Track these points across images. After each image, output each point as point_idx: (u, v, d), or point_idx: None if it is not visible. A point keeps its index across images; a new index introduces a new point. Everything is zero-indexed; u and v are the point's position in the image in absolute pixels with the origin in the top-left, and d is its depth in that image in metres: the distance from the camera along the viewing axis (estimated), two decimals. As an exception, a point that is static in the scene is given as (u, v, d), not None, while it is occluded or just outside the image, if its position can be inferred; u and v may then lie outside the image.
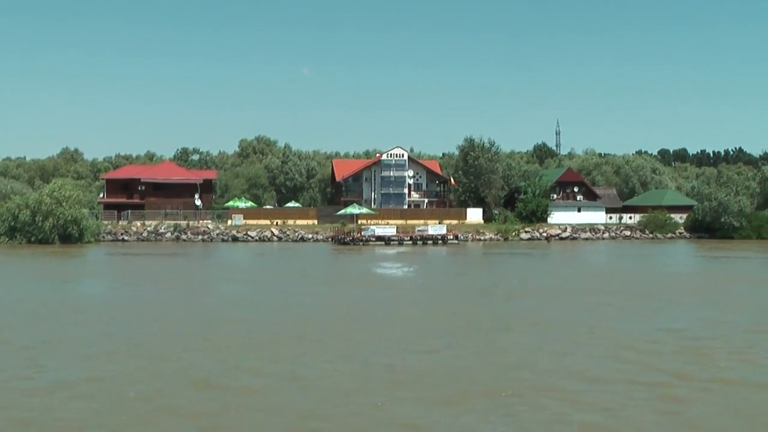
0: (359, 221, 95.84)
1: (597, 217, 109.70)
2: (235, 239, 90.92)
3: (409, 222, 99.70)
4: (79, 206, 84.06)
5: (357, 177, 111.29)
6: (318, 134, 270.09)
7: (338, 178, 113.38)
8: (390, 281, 45.35)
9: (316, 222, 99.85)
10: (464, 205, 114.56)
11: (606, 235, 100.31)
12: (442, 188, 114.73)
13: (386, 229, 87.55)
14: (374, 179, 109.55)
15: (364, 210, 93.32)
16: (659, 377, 19.02)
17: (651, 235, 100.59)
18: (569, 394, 17.28)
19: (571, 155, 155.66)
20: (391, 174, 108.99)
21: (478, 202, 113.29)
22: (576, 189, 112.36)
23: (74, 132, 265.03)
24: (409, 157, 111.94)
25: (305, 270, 52.46)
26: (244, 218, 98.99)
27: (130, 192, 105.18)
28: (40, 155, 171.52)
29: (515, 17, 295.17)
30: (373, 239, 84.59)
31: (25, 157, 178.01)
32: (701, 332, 25.81)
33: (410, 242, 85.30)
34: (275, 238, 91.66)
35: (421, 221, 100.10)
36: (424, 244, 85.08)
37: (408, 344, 23.23)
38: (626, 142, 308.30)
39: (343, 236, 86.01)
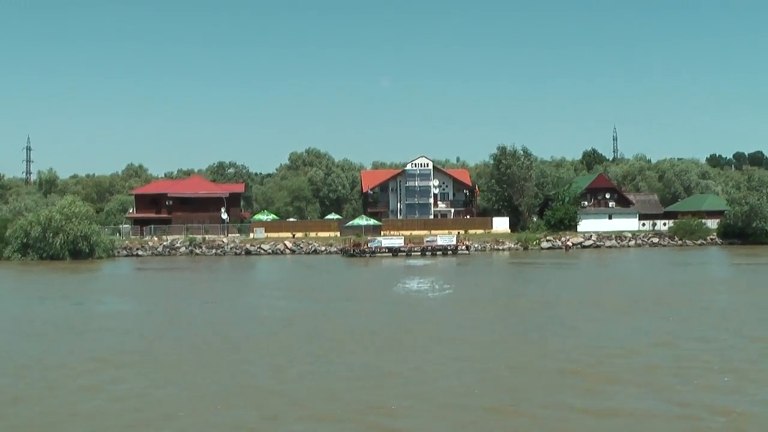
0: (382, 232, 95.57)
1: (629, 224, 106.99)
2: (248, 253, 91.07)
3: (433, 232, 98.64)
4: (89, 222, 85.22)
5: (384, 188, 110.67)
6: (369, 145, 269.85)
7: (365, 189, 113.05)
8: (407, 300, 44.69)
9: (338, 234, 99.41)
10: (497, 214, 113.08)
11: (632, 242, 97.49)
12: (468, 198, 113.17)
13: (394, 240, 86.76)
14: (399, 190, 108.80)
15: (372, 221, 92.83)
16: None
17: (680, 242, 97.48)
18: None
19: (617, 161, 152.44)
20: (416, 184, 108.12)
21: (512, 210, 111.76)
22: (608, 196, 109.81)
23: (141, 149, 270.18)
24: (434, 166, 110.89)
25: (301, 285, 52.19)
26: (265, 231, 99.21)
27: (159, 207, 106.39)
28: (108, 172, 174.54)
29: (570, 27, 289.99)
30: (381, 251, 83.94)
31: (94, 174, 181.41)
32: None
33: (419, 253, 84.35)
34: (288, 251, 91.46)
35: (445, 231, 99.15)
36: (433, 254, 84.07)
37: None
38: (688, 146, 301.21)
39: (350, 248, 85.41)
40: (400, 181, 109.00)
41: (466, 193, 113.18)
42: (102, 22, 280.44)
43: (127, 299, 44.08)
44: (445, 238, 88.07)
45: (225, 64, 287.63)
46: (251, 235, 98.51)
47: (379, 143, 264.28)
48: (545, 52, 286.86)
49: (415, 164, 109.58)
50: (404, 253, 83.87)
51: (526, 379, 20.82)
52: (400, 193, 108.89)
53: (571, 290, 44.41)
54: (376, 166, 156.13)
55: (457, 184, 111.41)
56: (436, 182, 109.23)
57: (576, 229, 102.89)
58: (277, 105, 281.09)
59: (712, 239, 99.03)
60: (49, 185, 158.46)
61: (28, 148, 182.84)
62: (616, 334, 27.69)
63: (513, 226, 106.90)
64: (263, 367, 22.97)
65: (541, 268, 66.03)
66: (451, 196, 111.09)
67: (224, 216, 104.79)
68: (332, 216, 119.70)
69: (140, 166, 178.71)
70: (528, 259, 77.23)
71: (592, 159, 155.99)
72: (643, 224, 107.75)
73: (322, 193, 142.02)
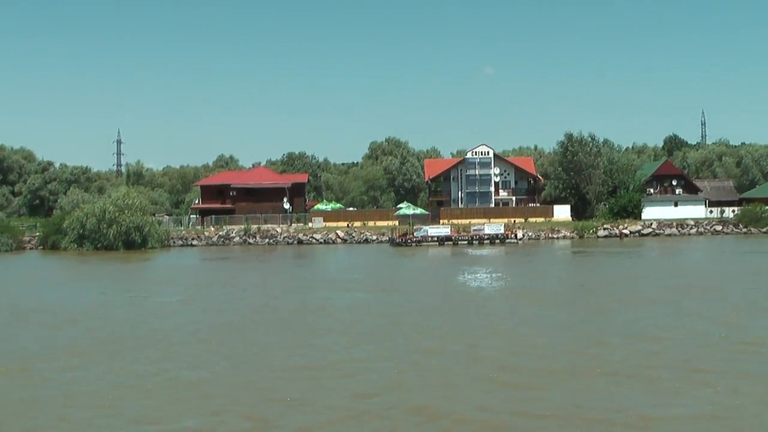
0: (440, 221, 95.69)
1: (696, 211, 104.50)
2: (300, 242, 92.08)
3: (493, 221, 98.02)
4: (142, 213, 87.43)
5: (446, 176, 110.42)
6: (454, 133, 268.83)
7: (427, 178, 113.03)
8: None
9: (397, 223, 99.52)
10: (564, 201, 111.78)
11: (693, 230, 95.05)
12: (531, 186, 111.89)
13: (440, 229, 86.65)
14: (460, 178, 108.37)
15: (418, 210, 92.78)
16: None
17: (745, 230, 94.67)
18: None
19: (698, 146, 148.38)
20: (476, 172, 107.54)
21: (579, 198, 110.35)
22: (674, 183, 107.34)
23: (233, 141, 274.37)
24: (494, 154, 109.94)
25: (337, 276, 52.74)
26: (324, 221, 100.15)
27: (223, 198, 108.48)
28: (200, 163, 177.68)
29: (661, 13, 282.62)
30: (427, 240, 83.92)
31: (188, 165, 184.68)
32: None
33: (465, 242, 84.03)
34: (339, 240, 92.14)
35: (504, 219, 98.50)
36: (481, 243, 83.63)
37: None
38: None
39: (398, 238, 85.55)
40: (461, 170, 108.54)
41: (529, 181, 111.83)
42: (193, 18, 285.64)
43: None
44: (492, 227, 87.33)
45: (312, 59, 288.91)
46: (310, 225, 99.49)
47: (466, 132, 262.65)
48: (631, 38, 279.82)
49: (476, 152, 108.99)
50: (451, 242, 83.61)
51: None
52: (460, 182, 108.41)
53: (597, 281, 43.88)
54: (454, 155, 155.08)
55: (520, 172, 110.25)
56: (497, 170, 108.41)
57: (640, 216, 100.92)
58: (362, 95, 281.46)
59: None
60: (136, 177, 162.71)
61: (119, 142, 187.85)
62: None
63: (581, 214, 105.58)
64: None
65: (585, 257, 65.17)
66: (513, 184, 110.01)
67: (286, 206, 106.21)
68: (404, 205, 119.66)
69: (231, 157, 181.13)
70: (579, 248, 75.97)
71: (673, 144, 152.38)
72: (711, 211, 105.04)
73: (397, 182, 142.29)
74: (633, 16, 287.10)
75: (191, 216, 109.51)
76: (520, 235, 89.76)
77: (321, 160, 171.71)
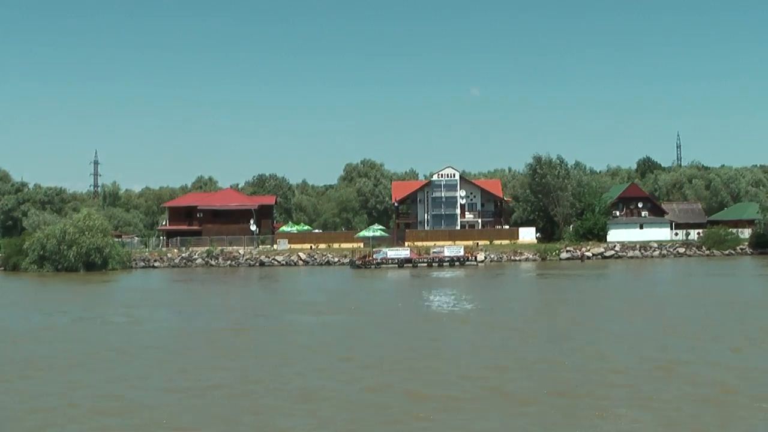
0: (406, 243, 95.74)
1: (661, 233, 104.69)
2: (262, 264, 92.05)
3: (458, 243, 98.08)
4: (103, 235, 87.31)
5: (413, 198, 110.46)
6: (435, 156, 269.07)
7: (394, 200, 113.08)
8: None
9: (362, 245, 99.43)
10: (532, 224, 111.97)
11: (656, 253, 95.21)
12: (497, 208, 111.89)
13: (399, 251, 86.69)
14: (426, 200, 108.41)
15: (378, 233, 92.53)
16: None
17: (708, 252, 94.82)
18: None
19: (669, 169, 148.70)
20: (442, 195, 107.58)
21: (548, 221, 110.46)
22: (640, 205, 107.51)
23: (212, 162, 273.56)
24: (461, 176, 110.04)
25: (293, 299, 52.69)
26: (289, 243, 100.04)
27: (191, 219, 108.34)
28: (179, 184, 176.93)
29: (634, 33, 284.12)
30: (386, 262, 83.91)
31: (167, 186, 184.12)
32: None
33: (425, 264, 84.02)
34: (301, 262, 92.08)
35: (469, 242, 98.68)
36: (440, 266, 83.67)
37: None
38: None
39: (358, 260, 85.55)
40: (427, 192, 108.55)
41: (496, 204, 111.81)
42: (175, 39, 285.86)
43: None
44: (452, 249, 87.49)
45: (294, 80, 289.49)
46: (274, 247, 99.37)
47: (444, 154, 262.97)
48: (610, 60, 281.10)
49: (442, 175, 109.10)
50: (410, 265, 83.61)
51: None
52: (426, 204, 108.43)
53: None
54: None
55: (486, 195, 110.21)
56: (462, 193, 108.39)
57: (605, 239, 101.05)
58: (342, 116, 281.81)
59: (742, 249, 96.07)
60: (112, 198, 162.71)
61: (96, 162, 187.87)
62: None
63: (550, 236, 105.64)
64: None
65: (540, 279, 65.37)
66: (479, 207, 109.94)
67: (253, 228, 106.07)
68: (375, 227, 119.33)
69: (210, 179, 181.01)
70: (538, 270, 76.26)
71: (646, 167, 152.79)
72: (676, 234, 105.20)
73: (370, 204, 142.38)
74: (613, 40, 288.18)
75: (158, 237, 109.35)
76: (481, 257, 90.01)
77: (300, 181, 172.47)
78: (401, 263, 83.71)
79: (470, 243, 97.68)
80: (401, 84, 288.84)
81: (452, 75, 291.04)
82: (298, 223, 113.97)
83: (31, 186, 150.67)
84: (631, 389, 20.19)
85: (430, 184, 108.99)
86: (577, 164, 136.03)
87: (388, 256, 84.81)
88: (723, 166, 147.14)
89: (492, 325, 33.95)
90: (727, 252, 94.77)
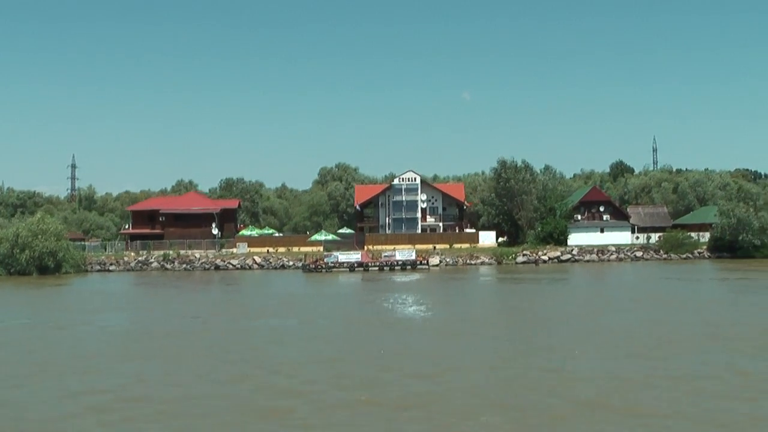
0: (365, 247, 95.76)
1: (622, 237, 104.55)
2: (217, 268, 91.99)
3: (417, 246, 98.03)
4: (56, 239, 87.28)
5: (375, 202, 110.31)
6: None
7: (356, 204, 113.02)
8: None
9: (321, 249, 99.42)
10: (497, 228, 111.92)
11: (614, 256, 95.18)
12: (460, 212, 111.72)
13: (350, 255, 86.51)
14: (388, 204, 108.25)
15: (330, 236, 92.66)
16: None
17: (665, 256, 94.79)
18: None
19: (640, 174, 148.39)
20: (403, 198, 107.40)
21: (512, 224, 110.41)
22: (602, 209, 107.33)
23: (193, 166, 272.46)
24: (422, 180, 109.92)
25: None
26: (249, 246, 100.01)
27: (153, 223, 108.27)
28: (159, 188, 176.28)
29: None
30: (337, 266, 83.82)
31: (149, 189, 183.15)
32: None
33: (376, 269, 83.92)
34: (256, 265, 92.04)
35: (430, 245, 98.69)
36: (392, 269, 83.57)
37: None
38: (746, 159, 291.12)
39: (310, 264, 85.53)
40: (388, 196, 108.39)
41: (459, 208, 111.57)
42: (155, 41, 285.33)
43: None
44: (404, 253, 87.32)
45: (274, 84, 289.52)
46: (234, 250, 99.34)
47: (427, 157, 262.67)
48: (583, 62, 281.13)
49: (403, 178, 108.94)
50: (361, 269, 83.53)
51: None
52: (388, 208, 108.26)
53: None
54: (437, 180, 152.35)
55: (448, 199, 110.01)
56: (424, 196, 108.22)
57: (566, 242, 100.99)
58: (322, 120, 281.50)
59: (700, 253, 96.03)
60: (88, 202, 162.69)
61: (73, 166, 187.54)
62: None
63: (515, 240, 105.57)
64: None
65: (483, 284, 65.32)
66: (440, 210, 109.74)
67: (215, 231, 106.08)
68: (344, 231, 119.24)
69: (190, 182, 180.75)
70: (486, 275, 76.25)
71: (618, 170, 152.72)
72: (638, 237, 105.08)
73: (341, 208, 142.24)
74: (598, 43, 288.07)
75: (120, 241, 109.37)
76: (436, 261, 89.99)
77: (279, 185, 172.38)
78: (352, 267, 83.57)
79: (428, 247, 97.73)
80: (383, 88, 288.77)
81: (440, 79, 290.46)
82: (262, 227, 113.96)
83: (5, 190, 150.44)
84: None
85: (391, 188, 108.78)
86: (547, 168, 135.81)
87: (339, 260, 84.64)
88: (699, 170, 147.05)
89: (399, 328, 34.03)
90: (684, 256, 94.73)
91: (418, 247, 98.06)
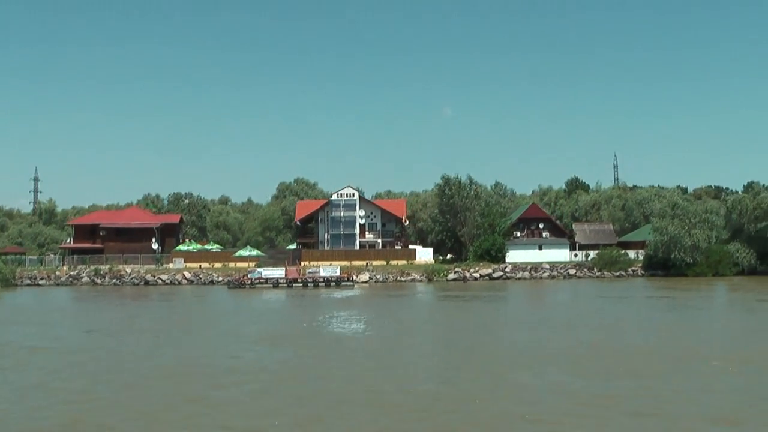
0: (303, 263, 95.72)
1: (560, 254, 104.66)
2: (146, 283, 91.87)
3: (353, 263, 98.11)
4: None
5: (314, 218, 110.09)
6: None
7: (296, 219, 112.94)
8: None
9: (254, 264, 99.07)
10: (440, 245, 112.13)
11: (546, 274, 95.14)
12: (397, 228, 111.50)
13: (273, 271, 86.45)
14: (327, 220, 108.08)
15: (254, 252, 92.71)
16: None
17: (599, 274, 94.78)
18: None
19: (591, 190, 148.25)
20: (341, 214, 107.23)
21: (456, 241, 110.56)
22: (541, 226, 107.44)
23: (160, 181, 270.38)
24: (360, 197, 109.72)
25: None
26: (185, 261, 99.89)
27: (95, 237, 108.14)
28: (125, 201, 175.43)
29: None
30: (261, 282, 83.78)
31: (117, 203, 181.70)
32: None
33: (300, 285, 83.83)
34: (185, 281, 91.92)
35: (363, 262, 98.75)
36: (316, 286, 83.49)
37: None
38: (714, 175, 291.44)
39: (234, 280, 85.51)
40: (327, 211, 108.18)
41: (398, 224, 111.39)
42: (117, 56, 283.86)
43: None
44: (328, 269, 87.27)
45: (235, 101, 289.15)
46: (170, 266, 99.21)
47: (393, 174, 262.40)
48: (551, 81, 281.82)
49: (341, 194, 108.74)
50: (285, 285, 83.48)
51: None
52: (327, 224, 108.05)
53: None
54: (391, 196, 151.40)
55: (387, 215, 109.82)
56: (362, 212, 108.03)
57: (504, 259, 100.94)
58: (282, 134, 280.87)
59: (634, 271, 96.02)
60: (48, 215, 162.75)
61: (36, 179, 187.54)
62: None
63: (459, 256, 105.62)
64: None
65: (394, 302, 65.08)
66: (379, 227, 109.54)
67: (155, 246, 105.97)
68: (292, 246, 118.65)
69: (157, 196, 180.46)
70: (410, 292, 76.08)
71: (573, 187, 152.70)
72: (576, 255, 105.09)
73: (293, 223, 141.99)
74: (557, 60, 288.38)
75: (55, 255, 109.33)
76: (366, 277, 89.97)
77: (245, 200, 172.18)
78: (276, 283, 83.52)
79: (362, 263, 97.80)
80: (355, 103, 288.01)
81: (419, 96, 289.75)
82: (207, 242, 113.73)
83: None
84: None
85: (329, 204, 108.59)
86: (497, 184, 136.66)
87: (263, 276, 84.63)
88: (668, 187, 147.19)
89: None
90: (617, 273, 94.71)
91: (355, 263, 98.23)
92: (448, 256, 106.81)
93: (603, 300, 62.99)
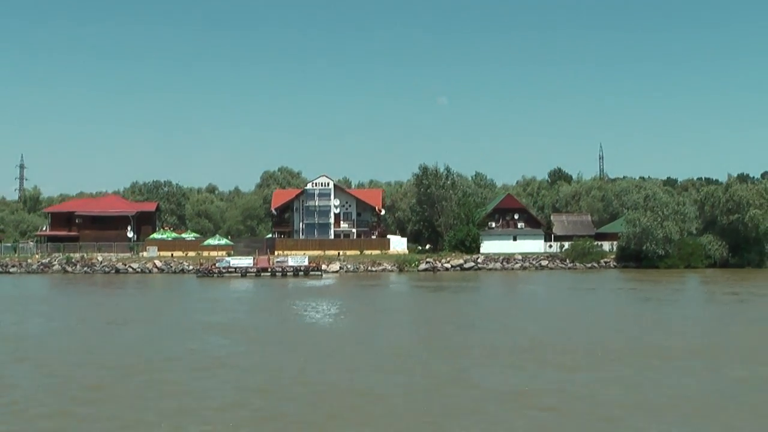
0: (275, 252, 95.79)
1: (535, 245, 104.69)
2: (117, 271, 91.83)
3: (327, 252, 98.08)
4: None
5: (290, 207, 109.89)
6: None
7: (272, 208, 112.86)
8: None
9: (232, 253, 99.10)
10: (419, 235, 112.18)
11: (518, 265, 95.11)
12: (373, 218, 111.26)
13: (242, 260, 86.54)
14: (301, 209, 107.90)
15: (223, 241, 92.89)
16: None
17: (571, 265, 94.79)
18: None
19: (572, 181, 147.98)
20: (316, 203, 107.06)
21: (433, 231, 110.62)
22: (516, 216, 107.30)
23: (152, 168, 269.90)
24: (335, 186, 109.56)
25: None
26: (159, 250, 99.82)
27: (70, 225, 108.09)
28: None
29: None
30: (229, 271, 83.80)
31: (105, 191, 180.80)
32: None
33: (268, 274, 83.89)
34: (156, 269, 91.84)
35: (338, 251, 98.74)
36: (284, 275, 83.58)
37: None
38: (707, 166, 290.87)
39: (201, 269, 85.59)
40: (302, 200, 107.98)
41: (374, 214, 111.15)
42: (110, 37, 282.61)
43: None
44: (296, 259, 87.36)
45: (224, 85, 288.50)
46: (143, 254, 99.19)
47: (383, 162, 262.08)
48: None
49: (316, 183, 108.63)
50: (253, 274, 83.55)
51: None
52: (301, 213, 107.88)
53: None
54: (374, 185, 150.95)
55: (362, 205, 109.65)
56: (337, 202, 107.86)
57: (478, 250, 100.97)
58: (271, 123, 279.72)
59: (606, 262, 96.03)
60: (33, 202, 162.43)
61: (22, 166, 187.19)
62: None
63: (436, 246, 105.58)
64: None
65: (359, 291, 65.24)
66: (354, 216, 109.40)
67: (130, 234, 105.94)
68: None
69: (145, 184, 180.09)
70: (377, 281, 76.76)
71: (556, 177, 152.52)
72: (551, 246, 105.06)
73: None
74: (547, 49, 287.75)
75: (27, 243, 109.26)
76: (336, 267, 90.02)
77: (233, 188, 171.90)
78: (244, 272, 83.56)
79: (335, 253, 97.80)
80: (348, 93, 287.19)
81: (414, 83, 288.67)
82: (185, 231, 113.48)
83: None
84: None
85: (304, 193, 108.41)
86: (477, 174, 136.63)
87: (231, 265, 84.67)
88: (659, 178, 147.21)
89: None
90: (589, 265, 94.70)
91: (328, 252, 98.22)
92: (428, 247, 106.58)
93: (563, 291, 63.58)
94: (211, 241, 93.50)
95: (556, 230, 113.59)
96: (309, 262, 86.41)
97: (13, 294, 63.94)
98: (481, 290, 67.04)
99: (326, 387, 23.71)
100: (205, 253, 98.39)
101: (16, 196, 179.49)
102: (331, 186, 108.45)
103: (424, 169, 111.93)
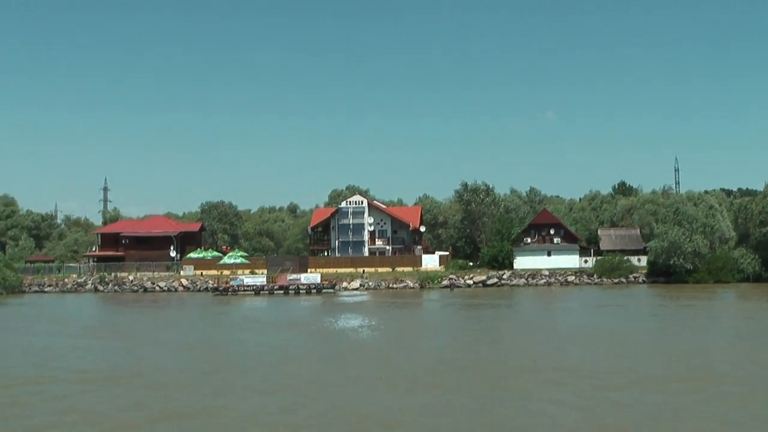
0: (308, 270, 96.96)
1: (569, 260, 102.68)
2: (145, 290, 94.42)
3: (359, 270, 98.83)
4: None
5: (326, 225, 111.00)
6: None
7: (310, 226, 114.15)
8: None
9: (266, 271, 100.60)
10: (459, 251, 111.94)
11: (543, 281, 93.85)
12: (410, 235, 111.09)
13: (256, 278, 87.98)
14: (336, 227, 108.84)
15: (239, 260, 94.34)
16: None
17: (598, 280, 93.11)
18: None
19: (630, 194, 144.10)
20: (350, 221, 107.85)
21: (474, 247, 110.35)
22: (552, 231, 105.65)
23: (231, 187, 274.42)
24: (369, 203, 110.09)
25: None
26: (195, 269, 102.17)
27: (117, 245, 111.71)
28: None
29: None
30: (243, 289, 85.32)
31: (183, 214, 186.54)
32: None
33: (281, 292, 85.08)
34: (182, 288, 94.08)
35: (371, 268, 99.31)
36: (297, 293, 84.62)
37: None
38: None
39: (217, 286, 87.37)
40: (337, 219, 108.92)
41: (411, 231, 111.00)
42: (179, 61, 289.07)
43: None
44: (309, 277, 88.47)
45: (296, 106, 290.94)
46: (181, 272, 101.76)
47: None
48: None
49: (350, 202, 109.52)
50: (266, 292, 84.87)
51: None
52: (336, 231, 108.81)
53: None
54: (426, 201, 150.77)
55: (397, 222, 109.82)
56: (371, 219, 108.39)
57: (511, 266, 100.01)
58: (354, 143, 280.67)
59: (636, 277, 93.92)
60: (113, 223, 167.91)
61: (105, 189, 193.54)
62: None
63: (475, 262, 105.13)
64: None
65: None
66: (389, 233, 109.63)
67: (173, 254, 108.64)
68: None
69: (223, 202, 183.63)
70: (385, 299, 77.05)
71: (620, 191, 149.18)
72: (586, 261, 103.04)
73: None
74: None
75: (81, 264, 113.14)
76: (356, 284, 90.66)
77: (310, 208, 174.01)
78: (257, 290, 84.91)
79: (371, 270, 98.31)
80: (409, 114, 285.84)
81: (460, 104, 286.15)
82: (198, 250, 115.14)
83: (23, 212, 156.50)
84: None
85: (338, 211, 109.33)
86: (532, 190, 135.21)
87: (245, 283, 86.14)
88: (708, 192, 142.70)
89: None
90: (617, 280, 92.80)
91: (359, 269, 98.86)
92: (470, 264, 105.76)
93: (564, 310, 62.54)
94: (227, 260, 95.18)
95: (603, 245, 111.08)
96: (322, 280, 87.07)
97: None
98: (489, 308, 66.55)
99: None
100: (239, 272, 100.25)
101: (100, 219, 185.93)
102: (365, 204, 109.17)
103: (465, 186, 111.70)
